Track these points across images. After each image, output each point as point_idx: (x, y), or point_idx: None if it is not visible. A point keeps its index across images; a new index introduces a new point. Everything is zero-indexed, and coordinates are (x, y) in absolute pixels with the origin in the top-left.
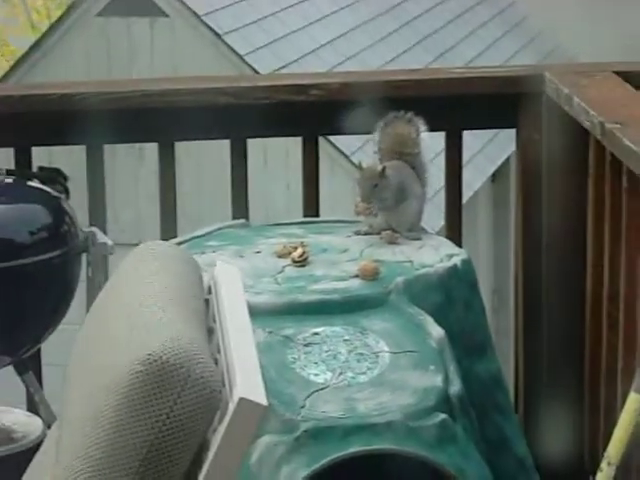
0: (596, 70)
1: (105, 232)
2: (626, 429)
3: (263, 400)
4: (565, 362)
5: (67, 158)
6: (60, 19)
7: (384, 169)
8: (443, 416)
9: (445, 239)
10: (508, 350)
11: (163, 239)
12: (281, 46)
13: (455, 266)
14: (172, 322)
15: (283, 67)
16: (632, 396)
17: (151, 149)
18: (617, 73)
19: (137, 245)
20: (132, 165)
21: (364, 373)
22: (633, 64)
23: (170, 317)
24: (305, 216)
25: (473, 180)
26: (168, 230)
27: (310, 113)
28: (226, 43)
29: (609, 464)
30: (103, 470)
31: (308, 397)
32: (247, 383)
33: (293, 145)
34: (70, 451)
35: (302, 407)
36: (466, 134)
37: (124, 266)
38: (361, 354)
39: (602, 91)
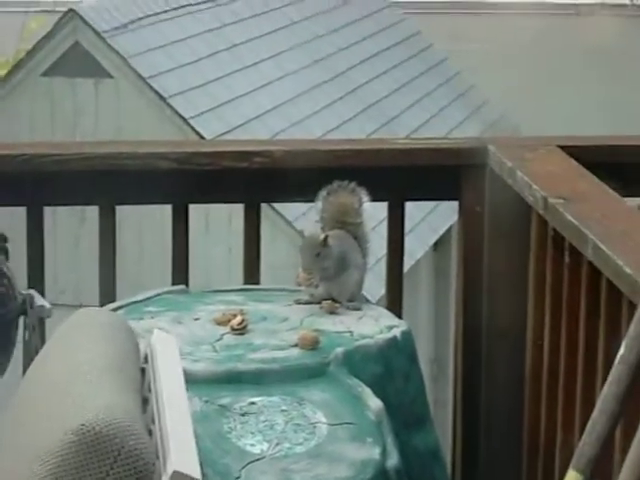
0: (540, 144)
1: (43, 295)
2: None
3: (197, 473)
4: (503, 436)
5: (7, 219)
6: (5, 77)
7: (326, 238)
8: None
9: (385, 310)
10: (446, 420)
11: (102, 303)
12: (226, 110)
13: (395, 337)
14: (106, 392)
15: (228, 132)
16: (570, 473)
17: (93, 210)
18: (561, 147)
19: (77, 307)
20: (73, 226)
21: (301, 444)
22: (577, 139)
23: (105, 387)
24: (246, 282)
25: (415, 249)
26: (107, 294)
27: (253, 180)
28: (170, 106)
29: None
30: None
31: (244, 468)
32: (181, 456)
33: (235, 209)
34: None
35: (237, 478)
36: (409, 205)
37: (60, 333)
38: (298, 425)
39: (546, 165)
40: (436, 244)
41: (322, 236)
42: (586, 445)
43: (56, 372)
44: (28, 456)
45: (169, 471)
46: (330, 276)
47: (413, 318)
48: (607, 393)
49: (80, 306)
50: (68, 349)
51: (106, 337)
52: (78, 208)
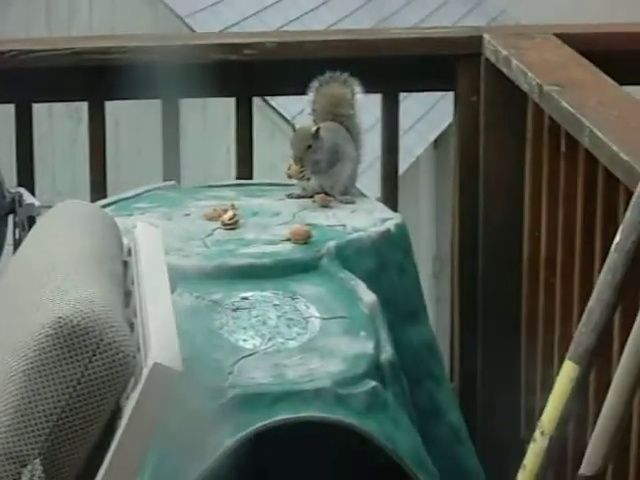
0: (536, 32)
1: (34, 193)
2: (560, 398)
3: (178, 365)
4: (502, 330)
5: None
6: None
7: (318, 130)
8: (373, 383)
9: (379, 203)
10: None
11: (92, 200)
12: (222, 8)
13: (389, 230)
14: (85, 285)
15: (224, 29)
16: (567, 364)
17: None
18: (557, 35)
19: None
20: (70, 127)
21: (294, 339)
22: (573, 26)
23: (83, 279)
24: (238, 178)
25: (415, 146)
26: (97, 193)
27: (244, 73)
28: (165, 4)
29: (542, 434)
30: (12, 438)
31: (236, 363)
32: (162, 348)
33: (234, 108)
34: None
35: (230, 373)
36: (409, 100)
37: (41, 225)
38: (291, 319)
39: (541, 53)
40: (437, 141)
41: (314, 128)
42: (582, 335)
43: (34, 264)
44: (6, 351)
45: (149, 363)
46: (322, 169)
47: (415, 216)
48: (603, 282)
49: None
50: (47, 241)
51: (86, 229)
52: (74, 108)
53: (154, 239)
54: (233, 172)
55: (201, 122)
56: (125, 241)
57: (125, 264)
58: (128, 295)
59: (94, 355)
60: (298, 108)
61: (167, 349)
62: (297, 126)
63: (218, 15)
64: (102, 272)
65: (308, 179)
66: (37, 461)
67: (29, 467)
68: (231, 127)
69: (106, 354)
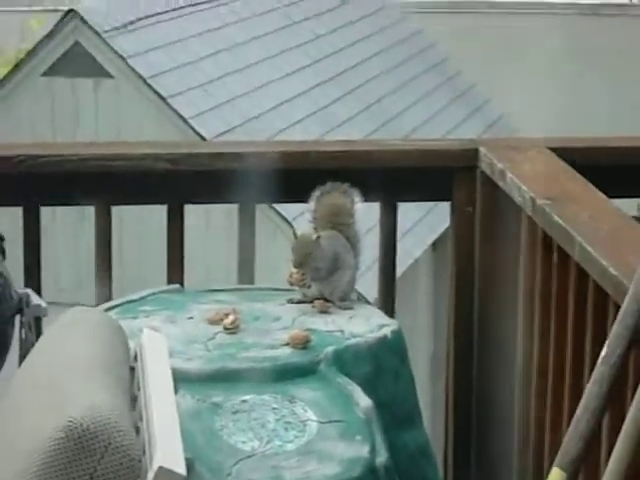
0: (530, 145)
1: (40, 294)
2: None
3: (182, 470)
4: (494, 436)
5: (2, 218)
6: (6, 77)
7: (318, 238)
8: None
9: (377, 309)
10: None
11: (98, 302)
12: (226, 110)
13: (385, 336)
14: (94, 390)
15: (227, 131)
16: (554, 471)
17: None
18: (551, 149)
19: (76, 304)
20: (73, 224)
21: (291, 442)
22: (566, 140)
23: (92, 385)
24: (240, 283)
25: (414, 249)
26: (103, 293)
27: (247, 181)
28: (170, 106)
29: None
30: None
31: (235, 465)
32: (167, 452)
33: (235, 211)
34: None
35: (229, 475)
36: (408, 203)
37: (52, 331)
38: (289, 422)
39: (535, 167)
40: (435, 244)
41: (314, 236)
42: (569, 443)
43: (46, 369)
44: (16, 453)
45: (155, 467)
46: (322, 276)
47: (413, 317)
48: (590, 392)
49: (79, 304)
50: (58, 347)
51: (96, 336)
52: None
53: (159, 345)
54: (233, 274)
55: (204, 222)
56: (131, 345)
57: (131, 369)
58: (134, 399)
59: (102, 458)
60: (299, 210)
61: (171, 453)
62: (298, 233)
63: (222, 117)
64: (110, 378)
65: (309, 286)
66: None
67: None
68: (233, 228)
69: (114, 457)
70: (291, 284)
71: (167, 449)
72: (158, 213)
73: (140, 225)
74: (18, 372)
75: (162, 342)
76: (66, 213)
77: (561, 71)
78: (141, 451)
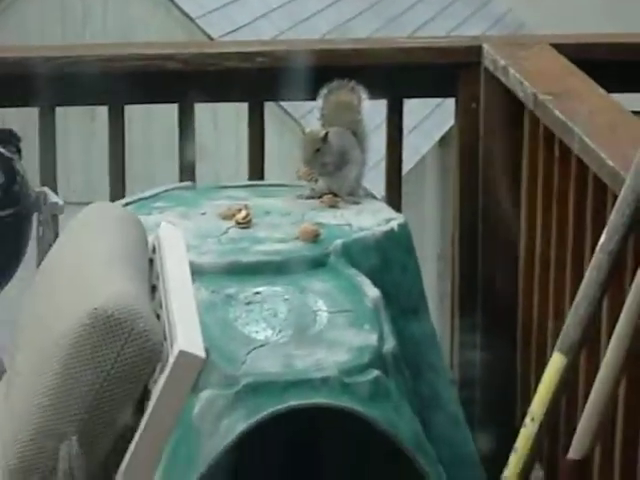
0: (533, 42)
1: (56, 192)
2: (548, 387)
3: (201, 353)
4: (499, 325)
5: (19, 119)
6: None
7: (326, 134)
8: (377, 373)
9: (384, 204)
10: None
11: (112, 200)
12: (232, 10)
13: (392, 230)
14: (117, 279)
15: (234, 31)
16: (555, 355)
17: (103, 110)
18: (553, 45)
19: (87, 204)
20: (84, 126)
21: (303, 331)
22: (568, 37)
23: (115, 274)
24: (250, 179)
25: (421, 144)
26: (117, 191)
27: (255, 80)
28: (178, 6)
29: (532, 420)
30: (51, 417)
31: (249, 353)
32: (187, 337)
33: (243, 108)
34: (20, 399)
35: (243, 363)
36: (414, 100)
37: (72, 226)
38: (300, 313)
39: (537, 63)
40: (442, 140)
41: (322, 132)
42: (569, 328)
43: (69, 262)
44: (46, 338)
45: (175, 351)
46: (330, 171)
47: (420, 214)
48: (589, 279)
49: (90, 203)
50: (80, 240)
51: (116, 229)
52: (88, 107)
53: (176, 238)
54: (242, 169)
55: (212, 122)
56: (149, 239)
57: (150, 261)
58: (153, 289)
59: (126, 343)
60: (306, 108)
61: (191, 338)
62: (306, 130)
63: (229, 16)
64: (131, 268)
65: (316, 180)
66: (74, 438)
67: (66, 443)
68: (241, 126)
69: (136, 342)
70: (299, 179)
71: (187, 334)
72: (165, 113)
73: (148, 125)
74: (43, 264)
75: (179, 235)
76: (77, 115)
77: None
78: (162, 336)
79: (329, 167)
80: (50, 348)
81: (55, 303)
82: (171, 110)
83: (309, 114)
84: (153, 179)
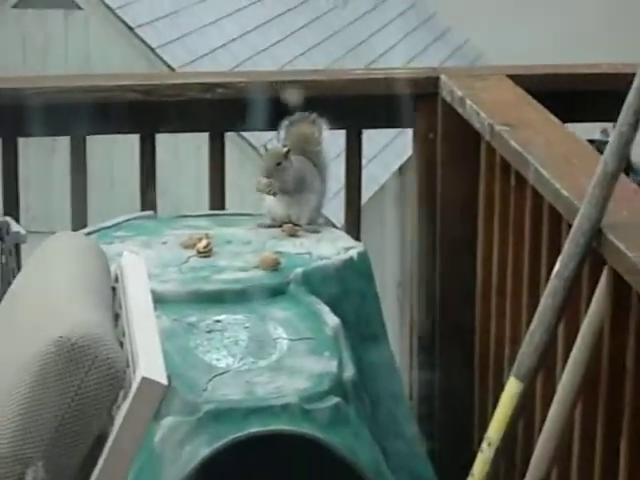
0: (490, 73)
1: (18, 221)
2: (505, 412)
3: (164, 380)
4: (456, 352)
5: None
6: None
7: (288, 151)
8: (337, 400)
9: (343, 233)
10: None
11: (73, 229)
12: (192, 40)
13: (351, 258)
14: (81, 307)
15: (194, 60)
16: (511, 381)
17: (63, 139)
18: (509, 76)
19: (47, 233)
20: (44, 154)
21: (264, 358)
22: (524, 67)
23: (79, 302)
24: (212, 209)
25: (379, 174)
26: (78, 221)
27: (217, 110)
28: (138, 36)
29: (489, 445)
30: (18, 442)
31: (210, 381)
32: (149, 364)
33: (203, 139)
34: None
35: (204, 390)
36: (374, 130)
37: (37, 255)
38: (261, 340)
39: (493, 94)
40: (400, 169)
41: (285, 149)
42: (525, 354)
43: (35, 290)
44: (10, 366)
45: (138, 378)
46: (289, 189)
47: (379, 243)
48: (544, 306)
49: (51, 233)
50: (45, 269)
51: (80, 258)
52: (48, 139)
53: (139, 266)
54: (203, 201)
55: (172, 152)
56: (112, 269)
57: (113, 289)
58: (116, 317)
59: (89, 370)
60: (267, 137)
61: (154, 365)
62: (269, 146)
63: (189, 46)
64: (94, 297)
65: (275, 194)
66: (40, 463)
67: (32, 468)
68: (202, 156)
69: (100, 369)
70: (258, 190)
71: (149, 361)
72: (127, 141)
73: (109, 154)
74: (8, 293)
75: (141, 264)
76: (37, 145)
77: None
78: (125, 363)
79: (288, 184)
80: (15, 375)
81: (20, 331)
82: (129, 141)
83: (268, 143)
84: (112, 210)
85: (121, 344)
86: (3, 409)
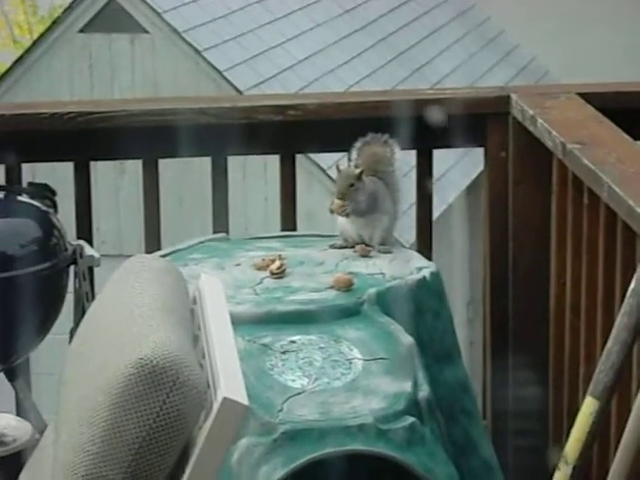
0: (560, 92)
1: (92, 245)
2: (582, 430)
3: (245, 400)
4: (530, 370)
5: (50, 174)
6: (43, 35)
7: (361, 172)
8: (412, 419)
9: (415, 252)
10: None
11: (147, 252)
12: (259, 62)
13: (424, 278)
14: (161, 329)
15: (261, 83)
16: (588, 399)
17: (132, 163)
18: (580, 95)
19: (117, 256)
20: (113, 177)
21: (338, 379)
22: (595, 85)
23: (159, 324)
24: (283, 229)
25: (447, 193)
26: (152, 244)
27: (287, 132)
28: (206, 59)
29: (566, 463)
30: (99, 464)
31: (285, 401)
32: (230, 385)
33: (271, 159)
34: (68, 448)
35: (280, 411)
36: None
37: (116, 277)
38: (335, 361)
39: (564, 112)
40: (469, 189)
41: (357, 171)
42: (601, 373)
43: (115, 312)
44: (92, 388)
45: (219, 398)
46: (361, 211)
47: (448, 262)
48: (620, 324)
49: (121, 256)
50: (124, 292)
51: (159, 280)
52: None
53: (216, 289)
54: (271, 221)
55: (241, 173)
56: (190, 291)
57: (192, 311)
58: (195, 339)
59: (171, 391)
60: (334, 159)
61: (234, 386)
62: (341, 167)
63: (255, 69)
64: (174, 318)
65: (347, 214)
66: None
67: None
68: (268, 178)
69: (182, 390)
70: (332, 212)
71: (230, 382)
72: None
73: (179, 181)
74: (88, 315)
75: (219, 286)
76: (106, 168)
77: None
78: (206, 384)
79: (361, 205)
80: (97, 398)
81: (101, 354)
82: (201, 165)
83: (341, 163)
84: (184, 235)
85: (201, 365)
86: (85, 432)
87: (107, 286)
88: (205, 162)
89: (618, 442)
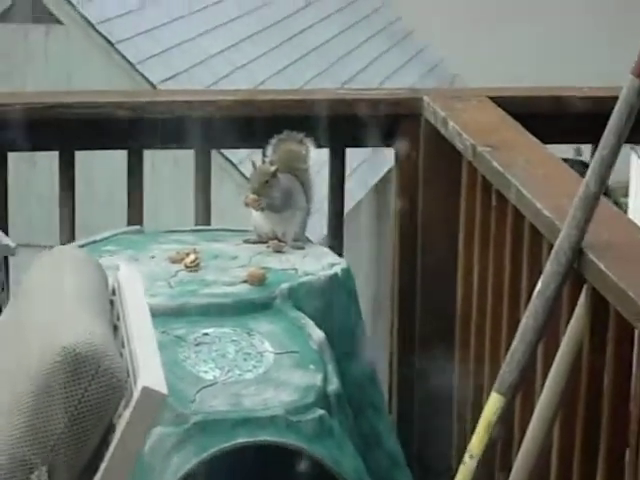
0: (471, 95)
1: (7, 234)
2: (486, 426)
3: (164, 389)
4: (436, 367)
5: None
6: None
7: (276, 170)
8: (321, 412)
9: (327, 249)
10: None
11: (62, 243)
12: (172, 56)
13: (336, 274)
14: (84, 318)
15: (174, 76)
16: (493, 396)
17: (43, 154)
18: (491, 98)
19: (26, 246)
20: (24, 169)
21: (250, 371)
22: (506, 89)
23: (81, 314)
24: (197, 224)
25: (356, 191)
26: (66, 235)
27: (203, 128)
28: (119, 51)
29: (471, 457)
30: (23, 448)
31: (198, 392)
32: (150, 374)
33: (180, 153)
34: None
35: (192, 402)
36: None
37: (37, 268)
38: (248, 354)
39: (475, 115)
40: (377, 186)
41: (273, 168)
42: (507, 371)
43: (37, 302)
44: (17, 376)
45: (139, 387)
46: (276, 207)
47: (355, 257)
48: (525, 325)
49: (33, 246)
50: (46, 282)
51: (79, 271)
52: (28, 153)
53: (135, 279)
54: (182, 215)
55: (149, 167)
56: (110, 281)
57: (111, 302)
58: (115, 329)
59: (93, 379)
60: (245, 154)
61: (154, 375)
62: (257, 164)
63: (168, 62)
64: (96, 308)
65: (262, 209)
66: (44, 468)
67: (36, 473)
68: (180, 173)
69: (103, 379)
70: (247, 205)
71: (149, 371)
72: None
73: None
74: (9, 304)
75: (137, 277)
76: (17, 159)
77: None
78: (126, 373)
79: (276, 201)
80: (21, 384)
81: (24, 341)
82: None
83: (247, 160)
84: (96, 227)
85: (121, 354)
86: (10, 417)
87: (27, 277)
88: (117, 154)
89: (522, 437)
